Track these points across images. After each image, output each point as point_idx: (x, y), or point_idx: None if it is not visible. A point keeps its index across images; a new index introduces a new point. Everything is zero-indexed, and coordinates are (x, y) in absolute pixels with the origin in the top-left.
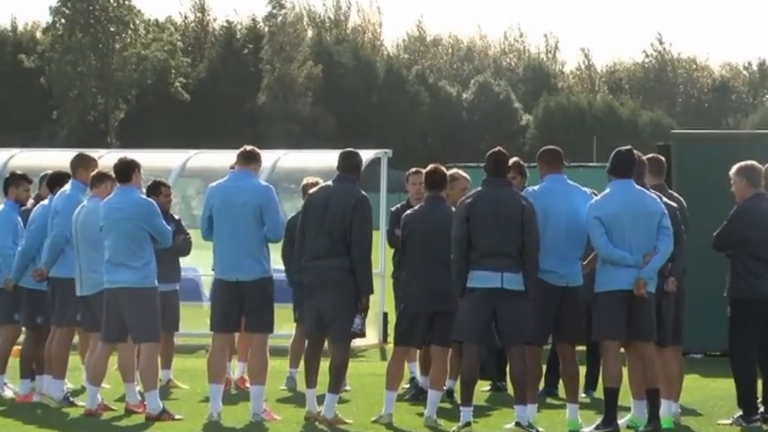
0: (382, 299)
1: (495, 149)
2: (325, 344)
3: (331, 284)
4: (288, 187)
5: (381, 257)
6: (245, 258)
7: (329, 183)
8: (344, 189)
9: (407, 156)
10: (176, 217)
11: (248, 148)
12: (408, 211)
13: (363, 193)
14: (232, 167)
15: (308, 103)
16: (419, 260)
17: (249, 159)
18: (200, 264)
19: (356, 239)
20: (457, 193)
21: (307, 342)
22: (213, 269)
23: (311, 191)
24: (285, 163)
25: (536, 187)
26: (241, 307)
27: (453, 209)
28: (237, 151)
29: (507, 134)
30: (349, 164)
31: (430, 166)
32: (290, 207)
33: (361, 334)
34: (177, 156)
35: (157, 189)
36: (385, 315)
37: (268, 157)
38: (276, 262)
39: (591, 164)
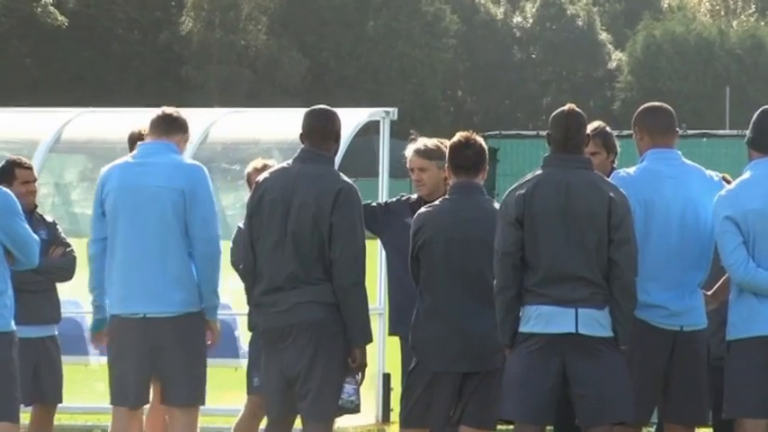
0: (382, 351)
1: (566, 108)
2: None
3: (302, 330)
4: (229, 169)
5: (380, 285)
6: (159, 281)
7: (288, 163)
8: (316, 173)
9: (424, 118)
10: (49, 219)
11: (167, 110)
12: (424, 209)
13: (346, 179)
14: (141, 138)
15: (261, 34)
16: (442, 288)
17: (169, 126)
18: (83, 294)
19: (340, 256)
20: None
21: (266, 424)
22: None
23: (261, 177)
24: (224, 131)
25: (631, 169)
26: (153, 362)
27: (497, 204)
28: (149, 113)
29: (587, 83)
30: (321, 130)
31: (457, 137)
32: (232, 202)
33: (355, 408)
34: (49, 118)
35: (10, 173)
36: (387, 377)
37: (195, 122)
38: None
39: (721, 132)
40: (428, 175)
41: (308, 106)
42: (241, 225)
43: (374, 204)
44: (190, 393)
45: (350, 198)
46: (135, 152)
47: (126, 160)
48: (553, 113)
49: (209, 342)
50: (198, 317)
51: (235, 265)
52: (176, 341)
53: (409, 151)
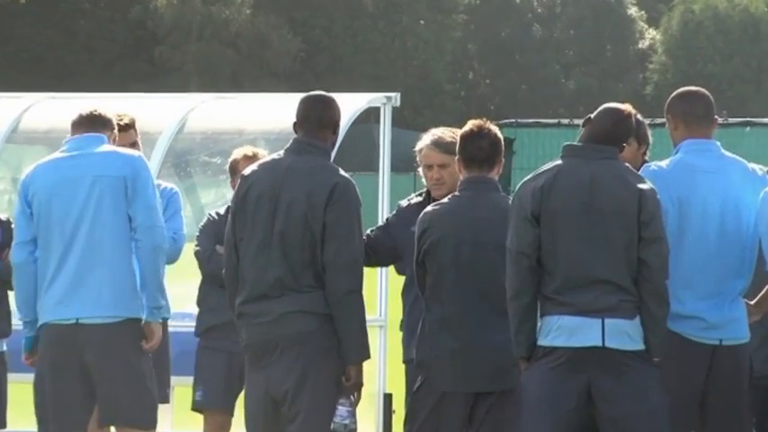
0: (383, 368)
1: (626, 108)
2: None
3: (290, 344)
4: (209, 162)
5: (380, 293)
6: (93, 284)
7: (278, 154)
8: (309, 166)
9: (430, 104)
10: (3, 217)
11: (88, 109)
12: (430, 207)
13: (344, 173)
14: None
15: (246, 7)
16: (451, 296)
17: (93, 123)
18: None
19: (334, 259)
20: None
21: None
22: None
23: (247, 170)
24: (203, 119)
25: (664, 162)
26: (88, 376)
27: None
28: (118, 99)
29: (615, 65)
30: (318, 119)
31: (469, 125)
32: (213, 199)
33: None
34: (6, 104)
35: None
36: (388, 398)
37: (171, 109)
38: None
39: (766, 120)
40: (449, 173)
41: (298, 91)
42: (213, 213)
43: (371, 233)
44: (135, 412)
45: (346, 194)
46: (63, 147)
47: (55, 156)
48: (607, 104)
49: (146, 348)
50: (135, 324)
51: (199, 254)
52: (110, 349)
53: (423, 145)
